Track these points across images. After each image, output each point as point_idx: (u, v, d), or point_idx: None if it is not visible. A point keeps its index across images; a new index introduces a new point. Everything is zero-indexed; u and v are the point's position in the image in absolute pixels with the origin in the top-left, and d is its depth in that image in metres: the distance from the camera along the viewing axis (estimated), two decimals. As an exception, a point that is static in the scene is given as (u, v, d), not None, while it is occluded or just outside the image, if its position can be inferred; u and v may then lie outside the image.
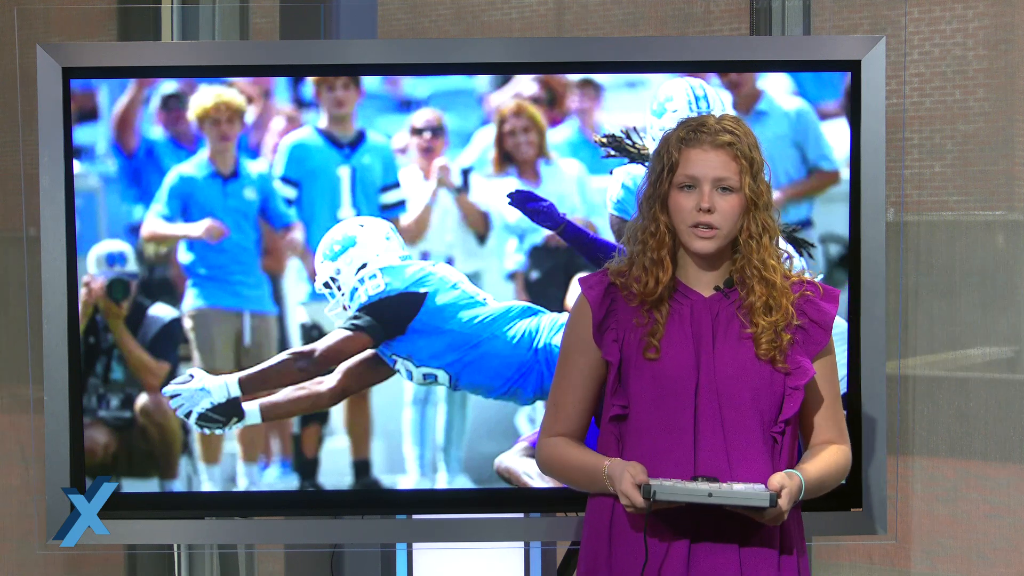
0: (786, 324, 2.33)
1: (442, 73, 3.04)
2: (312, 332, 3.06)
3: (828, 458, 2.37)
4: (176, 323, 3.07)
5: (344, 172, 3.05)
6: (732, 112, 2.94)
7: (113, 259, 3.05)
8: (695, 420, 2.30)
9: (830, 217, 3.03)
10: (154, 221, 3.04)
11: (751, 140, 2.34)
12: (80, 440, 3.04)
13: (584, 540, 2.42)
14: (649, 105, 3.01)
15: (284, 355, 3.05)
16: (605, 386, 2.39)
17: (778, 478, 2.25)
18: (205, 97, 3.02)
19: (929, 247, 3.77)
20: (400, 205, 3.06)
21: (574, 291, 3.03)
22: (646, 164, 2.99)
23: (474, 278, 3.05)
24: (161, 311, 3.07)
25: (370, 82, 3.04)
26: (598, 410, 2.43)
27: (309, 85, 3.03)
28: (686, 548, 2.29)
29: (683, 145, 2.33)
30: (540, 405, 3.04)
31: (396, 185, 3.06)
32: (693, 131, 2.33)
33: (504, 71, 3.03)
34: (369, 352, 3.03)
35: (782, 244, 2.44)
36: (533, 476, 3.03)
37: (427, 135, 3.05)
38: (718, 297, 2.36)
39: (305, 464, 3.08)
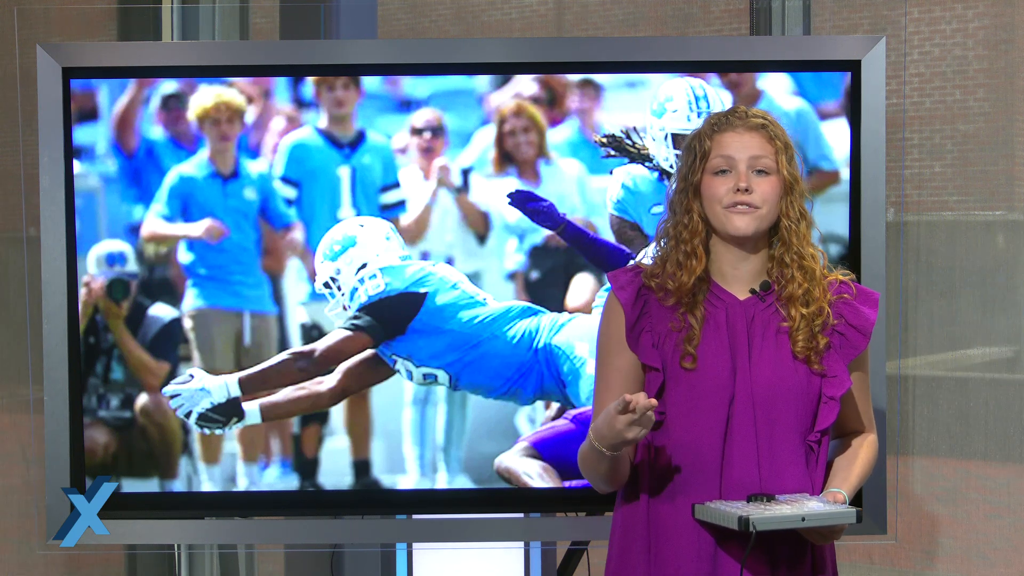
0: (823, 324, 2.28)
1: (442, 73, 3.04)
2: (312, 332, 3.06)
3: (861, 463, 2.35)
4: (176, 323, 3.07)
5: (344, 172, 3.05)
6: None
7: (113, 259, 3.05)
8: (726, 431, 2.25)
9: (830, 217, 3.03)
10: (154, 221, 3.04)
11: (782, 129, 2.30)
12: (80, 440, 3.04)
13: (615, 545, 2.36)
14: (649, 105, 3.01)
15: (284, 355, 3.05)
16: (643, 385, 2.31)
17: (841, 496, 2.24)
18: (205, 97, 3.02)
19: (929, 247, 3.77)
20: (400, 205, 3.06)
21: (574, 291, 3.03)
22: (646, 164, 2.99)
23: (474, 278, 3.05)
24: (161, 311, 3.07)
25: (370, 82, 3.04)
26: None
27: (309, 85, 3.03)
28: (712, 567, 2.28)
29: (715, 131, 2.28)
30: (540, 405, 3.04)
31: (396, 185, 3.06)
32: (725, 117, 2.30)
33: (504, 71, 3.04)
34: (369, 352, 3.03)
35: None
36: (533, 476, 3.03)
37: (427, 135, 3.05)
38: (753, 300, 2.30)
39: (305, 464, 3.08)
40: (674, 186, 2.34)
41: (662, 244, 2.34)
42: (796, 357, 2.27)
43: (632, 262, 2.40)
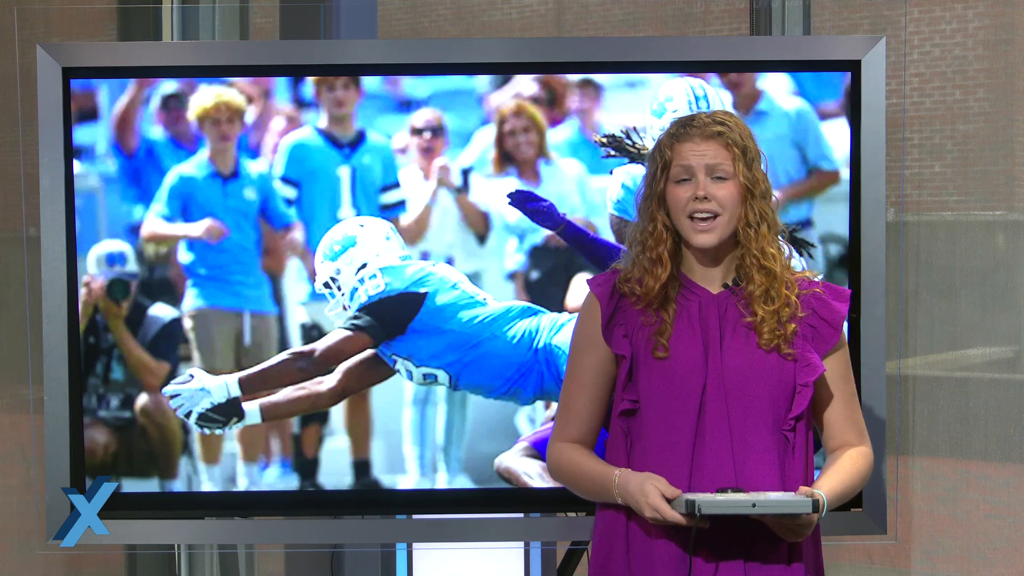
0: (790, 315, 2.32)
1: (442, 73, 3.04)
2: (312, 332, 3.06)
3: (847, 468, 2.35)
4: (176, 323, 3.07)
5: (344, 172, 3.05)
6: (732, 111, 2.95)
7: (113, 259, 3.05)
8: (698, 418, 2.29)
9: (830, 217, 3.03)
10: (154, 221, 3.04)
11: (744, 131, 2.34)
12: (80, 440, 3.04)
13: (596, 546, 2.41)
14: (649, 105, 3.01)
15: (284, 355, 3.05)
16: (615, 384, 2.39)
17: (805, 490, 2.25)
18: (205, 97, 3.02)
19: (929, 247, 3.77)
20: (400, 205, 3.06)
21: (574, 291, 3.03)
22: (646, 164, 2.99)
23: (474, 278, 3.05)
24: (161, 311, 3.07)
25: (370, 82, 3.04)
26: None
27: (309, 85, 3.04)
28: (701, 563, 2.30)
29: (674, 141, 2.34)
30: (540, 405, 3.04)
31: (396, 185, 3.06)
32: (683, 127, 2.35)
33: (504, 71, 3.04)
34: (369, 352, 3.03)
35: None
36: (533, 476, 3.03)
37: (427, 135, 3.05)
38: (726, 294, 2.35)
39: (305, 464, 3.08)
40: (641, 192, 2.40)
41: (633, 249, 2.39)
42: (762, 347, 2.31)
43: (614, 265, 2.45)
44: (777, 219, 2.37)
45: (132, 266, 3.05)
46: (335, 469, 3.08)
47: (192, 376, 3.05)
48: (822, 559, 2.40)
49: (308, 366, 3.04)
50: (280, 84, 3.04)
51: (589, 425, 2.41)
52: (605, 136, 3.02)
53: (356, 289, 3.02)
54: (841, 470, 2.35)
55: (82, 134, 3.03)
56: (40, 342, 3.03)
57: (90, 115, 3.03)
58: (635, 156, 3.01)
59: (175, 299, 3.06)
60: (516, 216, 3.03)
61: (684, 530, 2.26)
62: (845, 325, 2.89)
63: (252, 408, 3.04)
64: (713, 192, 2.30)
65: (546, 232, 3.03)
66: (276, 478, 3.09)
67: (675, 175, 2.32)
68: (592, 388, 2.40)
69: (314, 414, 3.06)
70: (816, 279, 2.41)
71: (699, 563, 2.28)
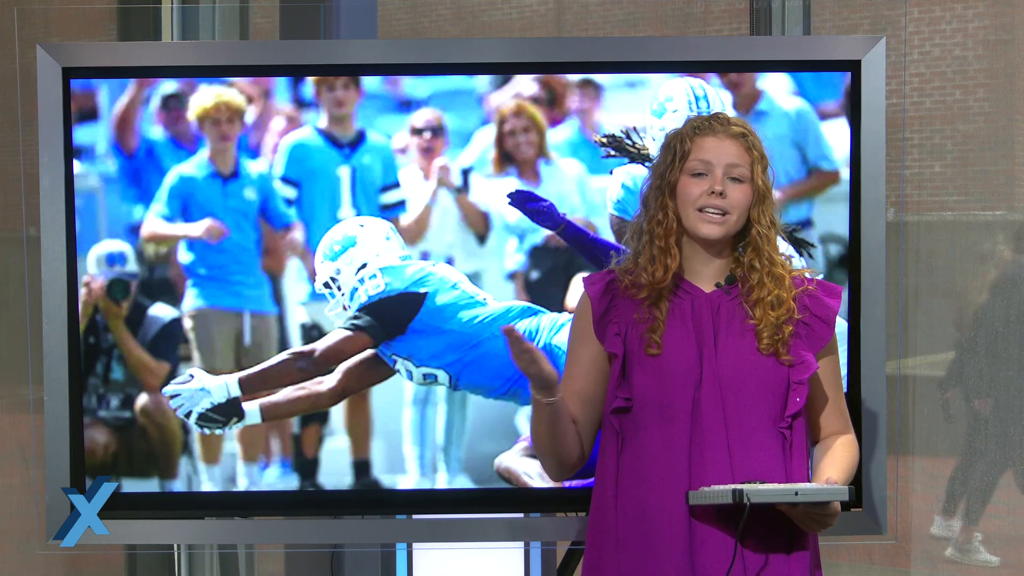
0: (788, 318, 2.34)
1: (442, 73, 3.04)
2: (312, 332, 3.06)
3: (847, 457, 2.39)
4: (176, 323, 3.07)
5: (344, 172, 3.05)
6: (733, 112, 2.95)
7: (113, 259, 3.05)
8: (693, 414, 2.30)
9: (830, 217, 3.03)
10: (154, 221, 3.04)
11: (759, 140, 2.39)
12: (80, 440, 3.04)
13: (589, 539, 2.42)
14: (649, 105, 3.01)
15: (284, 355, 3.05)
16: (608, 380, 2.40)
17: (834, 479, 2.29)
18: (205, 97, 3.02)
19: (929, 247, 3.77)
20: (400, 205, 3.06)
21: (574, 291, 3.03)
22: (646, 164, 2.99)
23: (474, 278, 3.05)
24: (161, 311, 3.07)
25: (370, 82, 3.04)
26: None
27: (309, 85, 3.03)
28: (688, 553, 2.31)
29: (696, 134, 2.36)
30: (540, 405, 3.04)
31: (396, 185, 3.06)
32: (707, 121, 2.38)
33: (504, 71, 3.03)
34: (369, 352, 3.03)
35: (783, 246, 2.46)
36: (533, 476, 3.03)
37: (427, 135, 3.05)
38: (719, 293, 2.37)
39: (305, 464, 3.08)
40: (649, 183, 2.42)
41: (635, 240, 2.41)
42: (762, 352, 2.33)
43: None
44: (781, 227, 2.42)
45: (132, 266, 3.05)
46: (335, 469, 3.08)
47: (192, 376, 3.05)
48: (818, 551, 2.42)
49: (308, 366, 3.04)
50: (280, 84, 3.04)
51: (577, 407, 2.42)
52: (605, 136, 3.02)
53: (356, 289, 3.02)
54: (842, 459, 2.39)
55: (82, 134, 3.03)
56: (40, 342, 3.03)
57: (90, 115, 3.03)
58: (635, 156, 3.01)
59: (175, 299, 3.06)
60: (516, 216, 3.03)
61: (678, 525, 2.28)
62: (844, 325, 2.90)
63: (252, 408, 3.04)
64: (728, 191, 2.32)
65: (546, 232, 3.03)
66: (276, 478, 3.09)
67: (691, 168, 2.34)
68: (581, 379, 2.42)
69: (314, 414, 3.06)
70: (816, 276, 2.43)
71: (701, 559, 2.29)
